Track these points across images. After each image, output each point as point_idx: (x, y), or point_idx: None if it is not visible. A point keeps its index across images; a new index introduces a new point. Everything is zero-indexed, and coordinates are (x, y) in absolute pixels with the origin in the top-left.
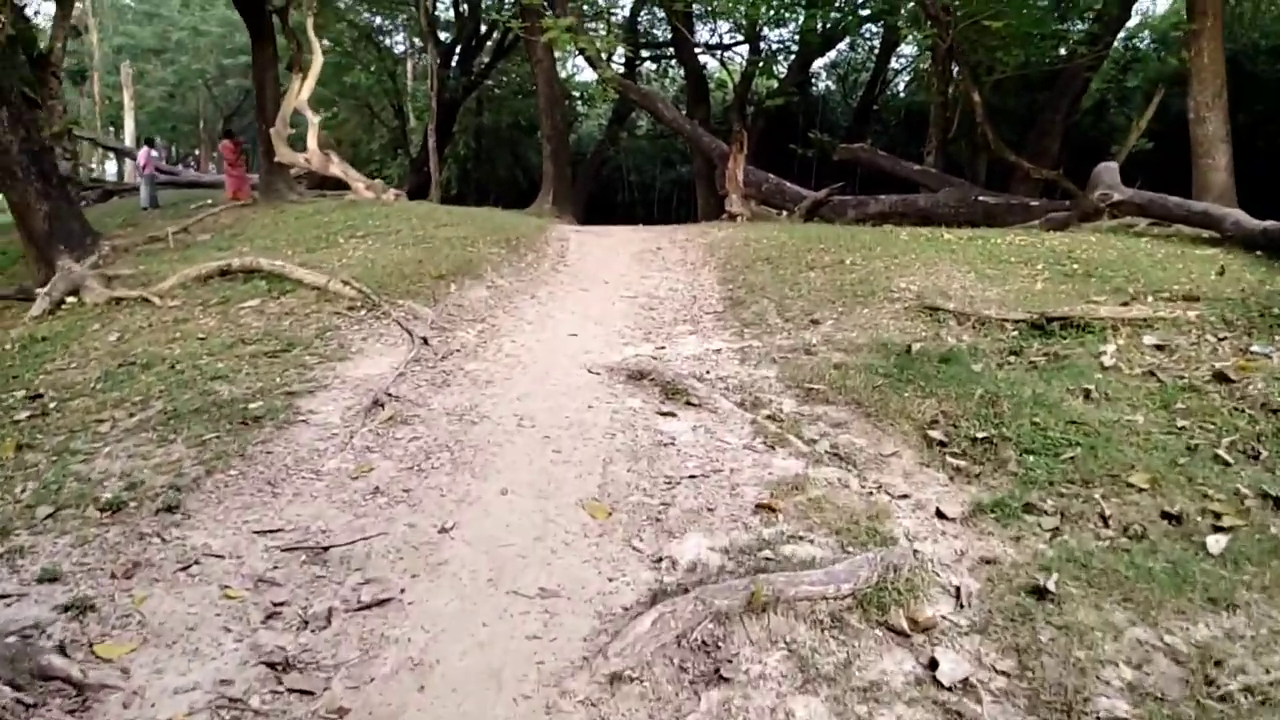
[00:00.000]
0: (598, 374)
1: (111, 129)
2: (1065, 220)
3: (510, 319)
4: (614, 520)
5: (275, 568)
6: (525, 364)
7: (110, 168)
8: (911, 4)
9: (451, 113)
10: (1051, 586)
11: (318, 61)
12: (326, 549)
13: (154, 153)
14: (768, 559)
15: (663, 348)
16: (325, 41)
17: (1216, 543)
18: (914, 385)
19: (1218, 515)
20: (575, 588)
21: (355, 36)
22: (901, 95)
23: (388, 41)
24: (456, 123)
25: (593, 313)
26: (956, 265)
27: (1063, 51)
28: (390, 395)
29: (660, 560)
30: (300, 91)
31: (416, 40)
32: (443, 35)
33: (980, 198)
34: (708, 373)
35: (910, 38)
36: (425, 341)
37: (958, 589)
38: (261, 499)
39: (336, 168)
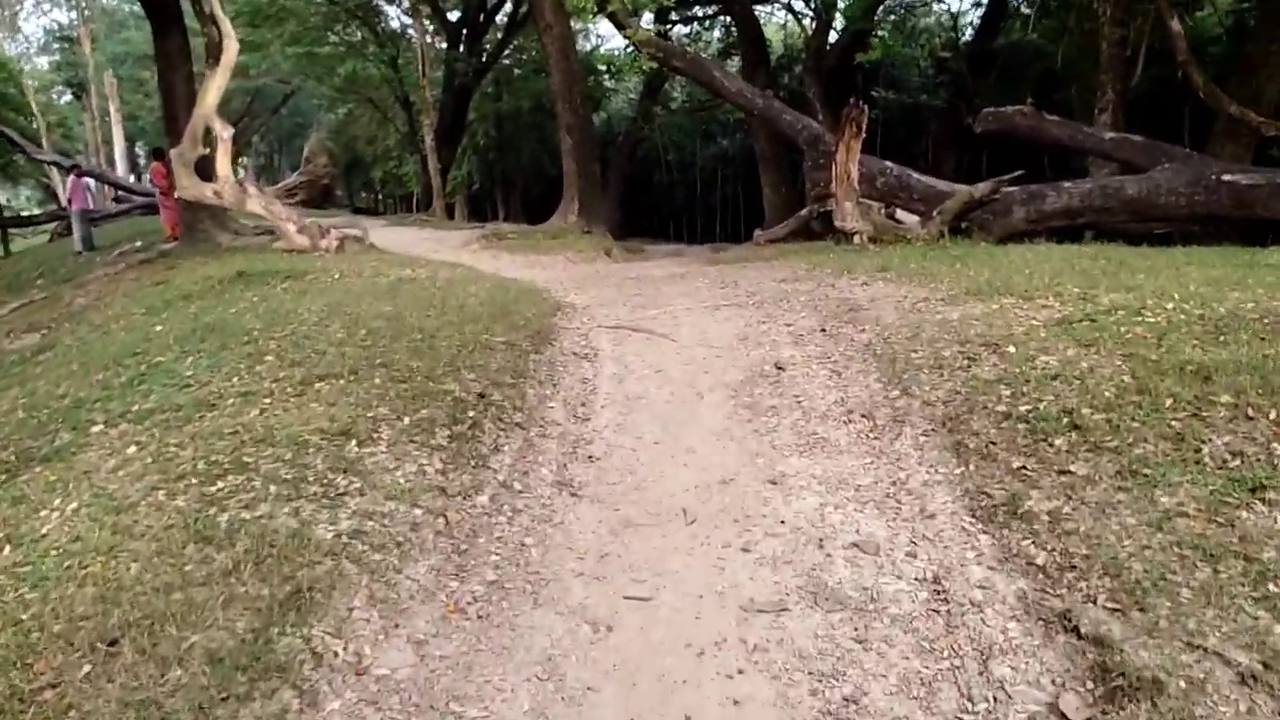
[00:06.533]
0: None
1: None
2: None
3: None
4: None
5: None
6: None
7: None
8: None
9: (464, 100)
10: None
11: (230, 51)
12: None
13: (88, 182)
14: None
15: None
16: (334, 37)
17: None
18: None
19: None
20: None
21: (331, 15)
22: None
23: (394, 24)
24: (472, 110)
25: None
26: None
27: None
28: None
29: None
30: (210, 94)
31: (427, 23)
32: (449, 16)
33: (1225, 177)
34: None
35: None
36: None
37: None
38: None
39: (256, 202)
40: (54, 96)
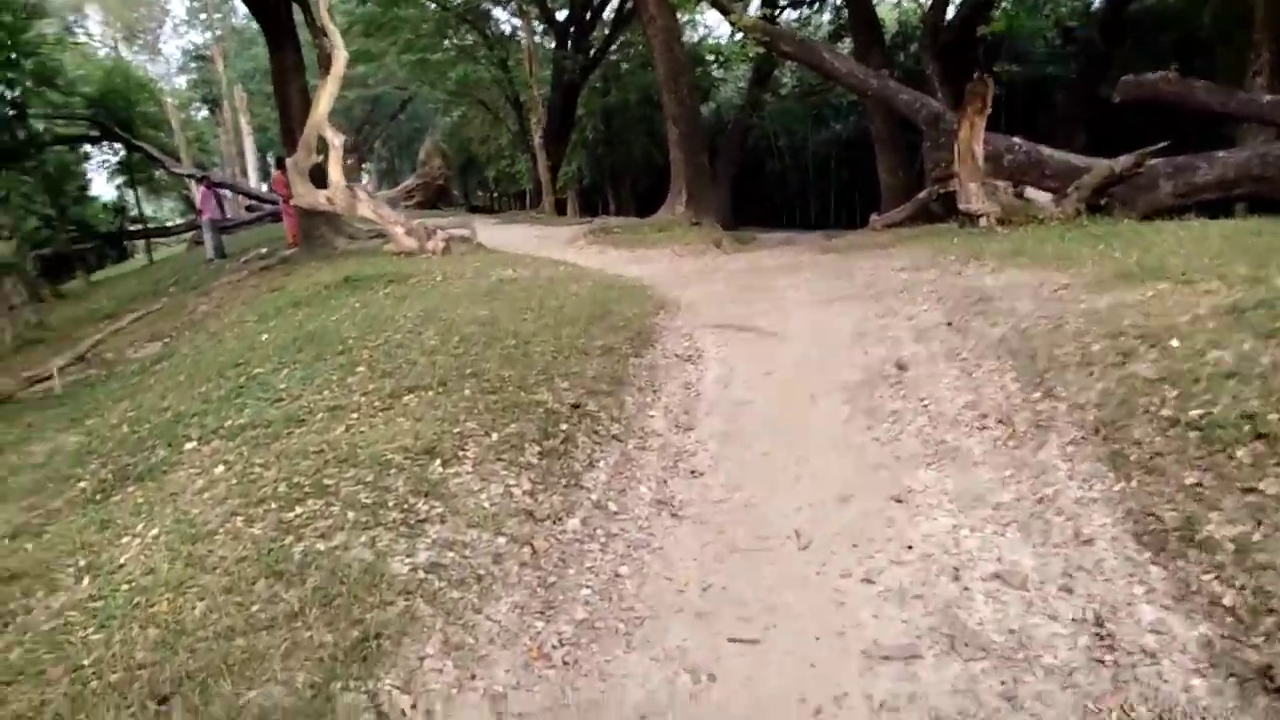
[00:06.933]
0: None
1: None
2: None
3: None
4: None
5: None
6: None
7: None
8: None
9: (572, 97)
10: None
11: (340, 61)
12: None
13: (224, 192)
14: None
15: None
16: (446, 42)
17: None
18: None
19: None
20: None
21: (443, 22)
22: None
23: (504, 27)
24: (580, 106)
25: None
26: None
27: None
28: None
29: None
30: (322, 103)
31: (535, 23)
32: (557, 15)
33: None
34: None
35: None
36: None
37: None
38: None
39: (366, 207)
40: (192, 113)
